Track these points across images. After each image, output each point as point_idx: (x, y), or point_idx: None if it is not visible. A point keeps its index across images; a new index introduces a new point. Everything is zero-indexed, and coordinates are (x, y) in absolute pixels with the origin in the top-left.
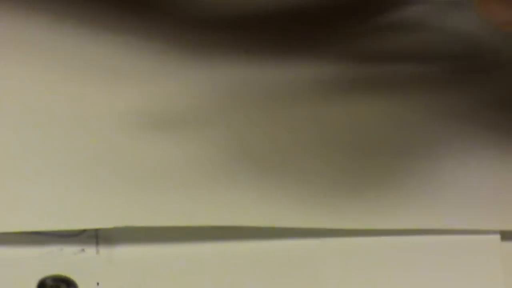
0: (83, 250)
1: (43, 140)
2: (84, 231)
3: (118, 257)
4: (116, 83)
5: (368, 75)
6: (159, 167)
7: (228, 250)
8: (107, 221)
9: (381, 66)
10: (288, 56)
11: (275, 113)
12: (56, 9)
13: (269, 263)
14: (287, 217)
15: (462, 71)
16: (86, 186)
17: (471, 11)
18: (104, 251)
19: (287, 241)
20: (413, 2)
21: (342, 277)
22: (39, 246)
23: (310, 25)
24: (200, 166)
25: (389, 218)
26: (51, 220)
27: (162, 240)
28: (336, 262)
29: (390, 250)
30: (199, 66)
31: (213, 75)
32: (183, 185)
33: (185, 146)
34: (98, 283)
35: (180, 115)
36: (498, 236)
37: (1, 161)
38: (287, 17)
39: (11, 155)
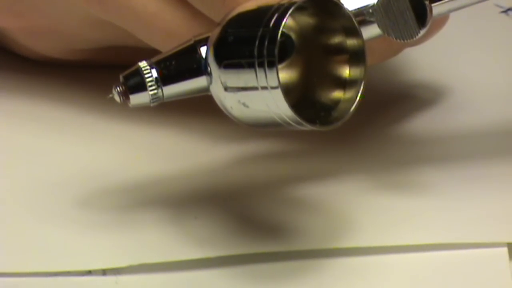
0: (89, 272)
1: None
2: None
3: (125, 280)
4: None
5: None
6: None
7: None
8: (114, 261)
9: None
10: None
11: None
12: None
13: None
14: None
15: None
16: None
17: None
18: (111, 273)
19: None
20: None
21: None
22: None
23: None
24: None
25: (396, 234)
26: (59, 262)
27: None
28: (343, 281)
29: (397, 267)
30: None
31: None
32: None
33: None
34: None
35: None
36: (505, 249)
37: (15, 205)
38: None
39: (23, 199)
